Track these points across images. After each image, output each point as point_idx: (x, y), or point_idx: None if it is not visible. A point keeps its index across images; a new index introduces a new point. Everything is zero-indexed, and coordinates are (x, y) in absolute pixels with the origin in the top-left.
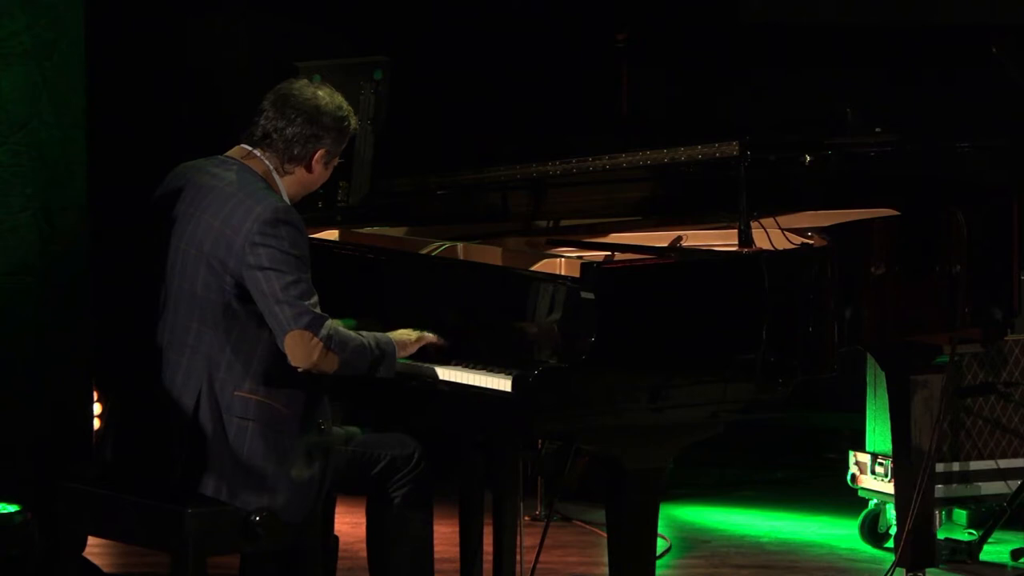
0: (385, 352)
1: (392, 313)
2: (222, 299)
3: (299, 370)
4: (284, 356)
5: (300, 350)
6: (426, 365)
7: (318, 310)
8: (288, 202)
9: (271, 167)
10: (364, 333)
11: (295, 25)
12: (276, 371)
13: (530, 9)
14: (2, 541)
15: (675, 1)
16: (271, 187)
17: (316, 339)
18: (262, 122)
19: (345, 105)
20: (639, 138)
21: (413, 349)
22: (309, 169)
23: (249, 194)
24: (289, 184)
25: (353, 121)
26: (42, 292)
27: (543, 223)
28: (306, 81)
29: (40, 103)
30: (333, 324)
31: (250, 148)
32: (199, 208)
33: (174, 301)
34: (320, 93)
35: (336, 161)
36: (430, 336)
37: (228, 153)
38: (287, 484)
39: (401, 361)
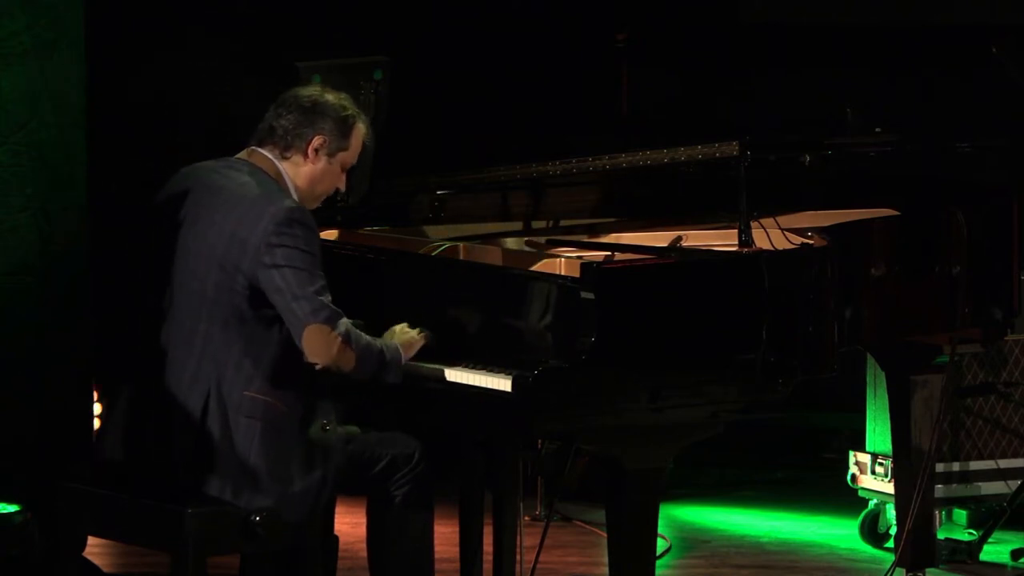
0: (393, 357)
1: (392, 313)
2: (233, 301)
3: (317, 367)
4: (292, 359)
5: (319, 344)
6: (432, 366)
7: (333, 306)
8: (298, 200)
9: (273, 159)
10: (372, 337)
11: (295, 25)
12: (283, 373)
13: (530, 9)
14: (2, 541)
15: (675, 1)
16: (281, 187)
17: (334, 333)
18: (266, 119)
19: (351, 106)
20: (639, 138)
21: (415, 351)
22: (306, 156)
23: (262, 195)
24: (294, 174)
25: (361, 124)
26: (42, 292)
27: (543, 223)
28: (317, 86)
29: (40, 103)
30: (348, 322)
31: (255, 147)
32: (210, 209)
33: (183, 301)
34: (327, 94)
35: (347, 161)
36: (427, 334)
37: (236, 156)
38: (290, 484)
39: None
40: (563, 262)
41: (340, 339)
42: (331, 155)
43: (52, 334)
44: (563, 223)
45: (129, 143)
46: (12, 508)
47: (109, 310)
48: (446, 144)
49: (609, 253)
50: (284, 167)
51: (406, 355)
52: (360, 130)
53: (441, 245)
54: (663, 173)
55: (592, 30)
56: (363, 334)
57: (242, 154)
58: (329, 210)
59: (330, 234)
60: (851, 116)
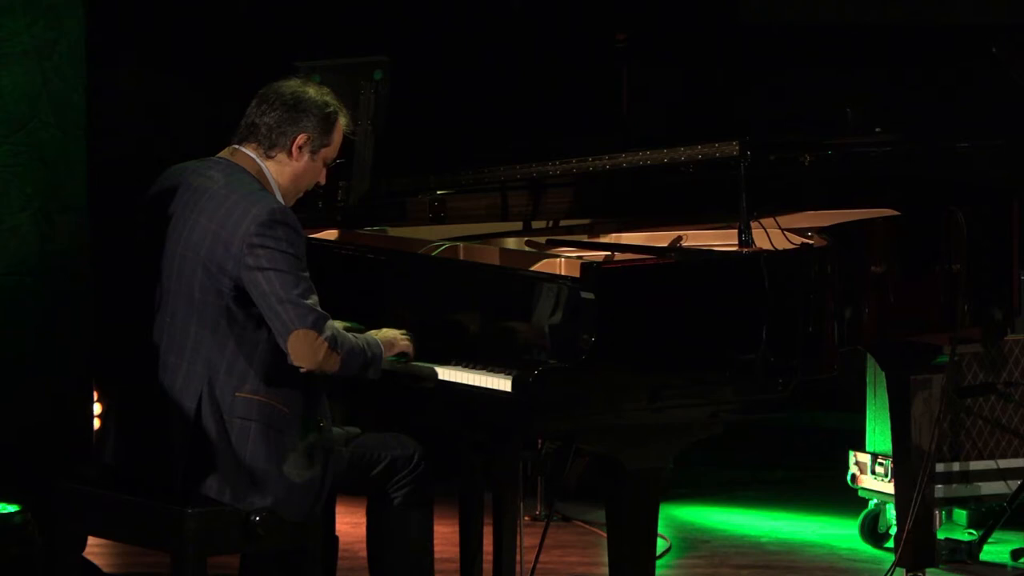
0: (375, 355)
1: (392, 313)
2: (220, 302)
3: (301, 370)
4: (284, 356)
5: (305, 350)
6: (426, 365)
7: (319, 309)
8: (282, 200)
9: (256, 158)
10: (355, 335)
11: (295, 25)
12: (276, 371)
13: (530, 9)
14: (2, 541)
15: (675, 1)
16: (264, 186)
17: (321, 338)
18: (248, 115)
19: (332, 100)
20: (639, 138)
21: (397, 350)
22: (290, 154)
23: (244, 196)
24: (277, 174)
25: (343, 117)
26: (42, 292)
27: (543, 223)
28: (297, 80)
29: (40, 103)
30: (334, 324)
31: (237, 145)
32: (194, 211)
33: (171, 304)
34: (308, 88)
35: (329, 156)
36: (411, 338)
37: (219, 154)
38: (288, 484)
39: (401, 362)
40: (563, 262)
41: (326, 344)
42: (314, 152)
43: (52, 334)
44: (563, 223)
45: (129, 143)
46: (12, 508)
47: (109, 310)
48: (446, 144)
49: (609, 253)
50: (268, 166)
51: (387, 353)
52: (341, 124)
53: (441, 245)
54: (663, 173)
55: (592, 30)
56: (347, 335)
57: (224, 153)
58: (329, 210)
59: (330, 234)
60: (851, 116)
